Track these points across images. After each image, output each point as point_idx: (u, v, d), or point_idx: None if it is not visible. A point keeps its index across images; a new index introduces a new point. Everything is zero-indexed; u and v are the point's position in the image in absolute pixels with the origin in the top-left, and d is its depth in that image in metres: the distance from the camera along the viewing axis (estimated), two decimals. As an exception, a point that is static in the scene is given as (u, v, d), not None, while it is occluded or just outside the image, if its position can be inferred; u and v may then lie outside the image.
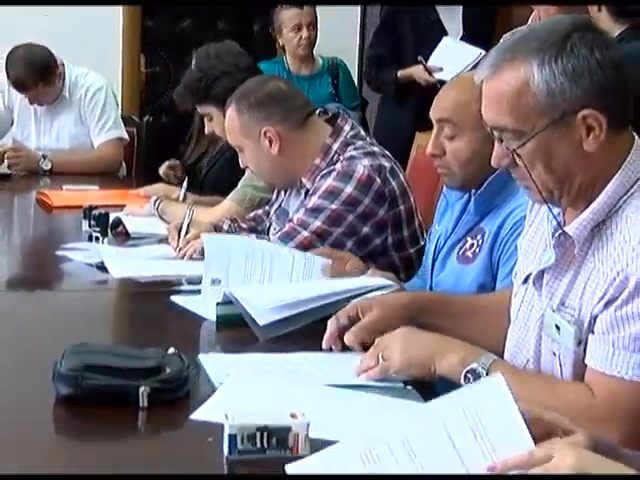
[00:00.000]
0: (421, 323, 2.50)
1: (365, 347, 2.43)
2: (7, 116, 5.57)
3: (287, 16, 6.26)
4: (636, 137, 2.17)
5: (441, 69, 5.45)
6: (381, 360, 2.30)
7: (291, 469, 1.76)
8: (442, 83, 5.28)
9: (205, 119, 4.16)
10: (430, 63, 5.52)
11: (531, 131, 2.07)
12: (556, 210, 2.22)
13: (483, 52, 5.23)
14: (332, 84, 6.21)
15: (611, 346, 2.06)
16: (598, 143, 2.07)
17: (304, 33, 6.17)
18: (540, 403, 1.94)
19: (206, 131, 4.18)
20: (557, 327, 2.16)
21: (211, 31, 6.80)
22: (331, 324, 2.51)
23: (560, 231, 2.16)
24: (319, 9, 6.25)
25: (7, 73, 5.29)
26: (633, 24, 4.36)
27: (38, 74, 5.24)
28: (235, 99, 3.42)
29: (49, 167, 5.31)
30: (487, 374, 2.13)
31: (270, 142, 3.30)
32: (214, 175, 4.64)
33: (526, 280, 2.30)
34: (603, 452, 1.80)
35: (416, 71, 5.59)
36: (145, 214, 4.01)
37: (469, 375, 2.16)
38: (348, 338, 2.47)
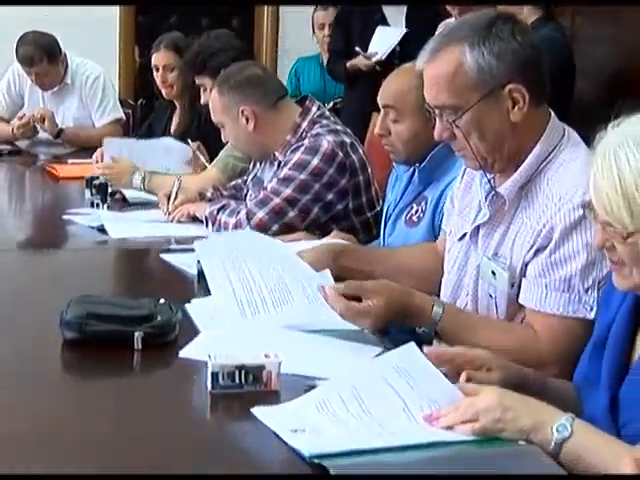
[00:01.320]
0: (347, 267, 2.54)
1: None
2: (18, 100, 5.52)
3: (316, 17, 6.63)
4: (551, 111, 2.21)
5: (377, 53, 5.53)
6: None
7: (256, 411, 1.75)
8: (380, 64, 5.39)
9: (201, 89, 4.14)
10: (369, 51, 5.60)
11: (466, 105, 2.12)
12: (489, 175, 2.25)
13: (405, 30, 5.43)
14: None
15: (544, 288, 2.10)
16: (522, 114, 2.12)
17: (325, 31, 6.42)
18: (501, 345, 2.00)
19: (202, 101, 4.14)
20: (493, 273, 2.21)
21: (195, 27, 6.75)
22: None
23: (493, 192, 2.21)
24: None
25: (17, 53, 5.22)
26: (544, 13, 4.58)
27: (44, 51, 5.18)
28: (218, 82, 3.40)
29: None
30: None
31: (247, 120, 3.28)
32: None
33: (462, 237, 2.33)
34: (529, 384, 1.82)
35: (358, 61, 5.64)
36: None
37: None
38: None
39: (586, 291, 2.06)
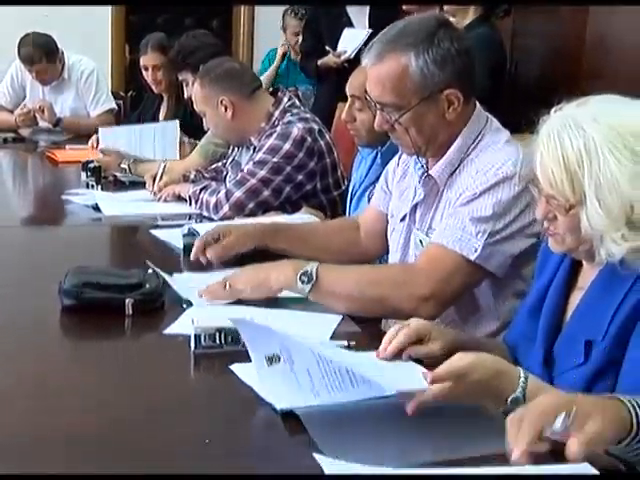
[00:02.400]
0: (271, 248, 2.46)
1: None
2: (20, 92, 5.48)
3: (289, 23, 6.83)
4: (476, 102, 2.23)
5: (345, 52, 5.51)
6: (228, 287, 2.14)
7: (235, 367, 1.75)
8: (348, 61, 5.38)
9: (184, 84, 4.12)
10: (338, 50, 5.58)
11: (407, 105, 2.13)
12: (423, 160, 2.28)
13: (370, 31, 5.36)
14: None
15: (445, 227, 2.14)
16: (456, 113, 2.15)
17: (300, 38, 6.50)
18: (370, 279, 1.96)
19: (185, 95, 4.13)
20: (421, 242, 2.26)
21: (179, 26, 6.71)
22: (198, 241, 2.46)
23: (425, 174, 2.24)
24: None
25: (19, 53, 5.19)
26: (482, 13, 4.58)
27: (43, 51, 5.16)
28: (199, 75, 3.38)
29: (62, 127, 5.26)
30: (317, 273, 2.08)
31: (225, 109, 3.26)
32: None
33: (403, 219, 2.34)
34: (465, 347, 1.80)
35: (329, 59, 5.62)
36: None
37: (303, 277, 2.09)
38: (209, 252, 2.43)
39: (476, 235, 2.08)
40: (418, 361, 1.69)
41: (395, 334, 1.71)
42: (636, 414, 1.33)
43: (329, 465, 1.36)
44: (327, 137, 3.27)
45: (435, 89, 2.11)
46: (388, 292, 2.07)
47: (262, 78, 6.70)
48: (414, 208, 2.29)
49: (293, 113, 3.24)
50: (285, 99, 3.30)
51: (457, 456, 1.42)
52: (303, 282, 2.08)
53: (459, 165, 2.19)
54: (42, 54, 5.17)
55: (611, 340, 1.59)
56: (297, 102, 3.35)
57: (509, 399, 1.51)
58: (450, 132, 2.18)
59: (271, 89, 3.51)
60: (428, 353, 1.73)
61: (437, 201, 2.23)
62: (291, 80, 6.75)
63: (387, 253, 2.49)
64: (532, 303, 1.84)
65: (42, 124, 5.31)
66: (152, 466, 1.41)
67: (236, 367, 1.75)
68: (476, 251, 2.07)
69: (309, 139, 3.16)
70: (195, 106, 3.41)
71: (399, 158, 2.46)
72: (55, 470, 1.38)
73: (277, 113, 3.26)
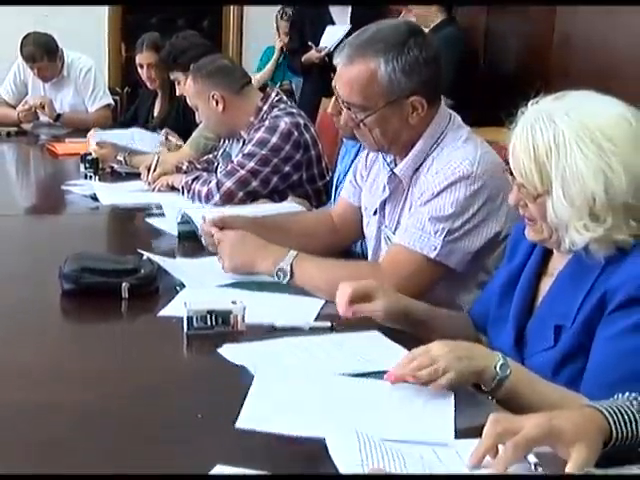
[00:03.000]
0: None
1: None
2: (22, 88, 5.45)
3: (282, 25, 6.83)
4: (442, 102, 2.21)
5: (326, 47, 5.52)
6: (220, 257, 2.22)
7: (223, 350, 1.75)
8: (328, 56, 5.37)
9: (176, 83, 4.10)
10: (320, 46, 5.61)
11: (374, 108, 2.12)
12: (389, 158, 2.26)
13: (349, 26, 5.40)
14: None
15: (406, 228, 2.13)
16: (419, 117, 2.13)
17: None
18: (339, 277, 1.94)
19: (177, 93, 4.11)
20: (389, 238, 2.25)
21: (172, 26, 6.68)
22: (205, 225, 2.39)
23: (391, 172, 2.22)
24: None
25: (21, 52, 5.18)
26: (449, 16, 4.86)
27: (44, 49, 5.14)
28: (192, 71, 3.37)
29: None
30: (292, 269, 2.12)
31: (217, 103, 3.24)
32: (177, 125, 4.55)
33: (375, 213, 2.34)
34: (415, 313, 1.83)
35: (311, 54, 5.62)
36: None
37: (279, 272, 2.13)
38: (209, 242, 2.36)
39: (435, 234, 2.07)
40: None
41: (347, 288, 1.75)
42: (616, 428, 1.27)
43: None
44: (312, 130, 3.26)
45: (401, 95, 2.09)
46: None
47: (262, 72, 6.82)
48: (383, 204, 2.29)
49: (280, 108, 3.23)
50: (273, 94, 3.29)
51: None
52: (279, 277, 2.13)
53: (422, 164, 2.17)
54: (43, 53, 5.16)
55: (579, 326, 1.59)
56: (284, 98, 3.33)
57: (495, 379, 1.50)
58: (413, 134, 2.16)
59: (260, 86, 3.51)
60: (372, 311, 1.77)
61: (404, 199, 2.22)
62: (287, 75, 6.84)
63: (364, 238, 2.48)
64: (503, 284, 1.83)
65: (43, 119, 5.28)
66: (150, 437, 1.42)
67: (225, 348, 1.75)
68: (435, 249, 2.07)
69: (295, 132, 3.14)
70: (188, 100, 3.41)
71: (367, 154, 2.44)
72: (57, 438, 1.39)
73: (265, 107, 3.24)
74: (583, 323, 1.59)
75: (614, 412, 1.29)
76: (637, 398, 1.33)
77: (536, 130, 1.58)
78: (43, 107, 5.17)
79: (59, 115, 5.22)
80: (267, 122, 3.18)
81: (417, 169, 2.18)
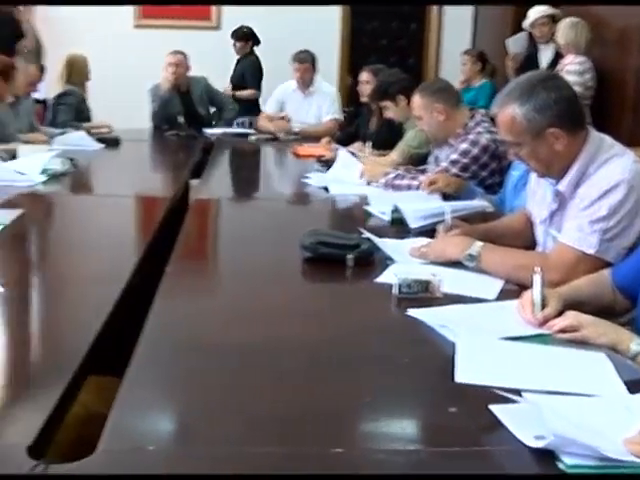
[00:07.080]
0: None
1: None
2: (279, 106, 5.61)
3: None
4: (589, 129, 2.15)
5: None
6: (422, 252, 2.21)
7: (412, 311, 1.78)
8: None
9: (384, 109, 4.11)
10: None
11: (523, 143, 2.11)
12: (551, 180, 2.23)
13: None
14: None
15: (567, 230, 2.10)
16: (563, 145, 2.09)
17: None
18: (519, 264, 2.00)
19: (384, 116, 4.13)
20: (554, 237, 2.21)
21: (385, 62, 6.60)
22: (440, 232, 2.40)
23: (555, 190, 2.20)
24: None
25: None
26: None
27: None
28: (419, 89, 3.40)
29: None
30: (479, 256, 2.11)
31: (438, 113, 3.31)
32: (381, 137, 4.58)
33: (544, 221, 2.30)
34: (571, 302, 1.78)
35: None
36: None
37: (468, 257, 2.12)
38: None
39: (592, 233, 2.04)
40: None
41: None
42: None
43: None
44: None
45: (540, 130, 2.08)
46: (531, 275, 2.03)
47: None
48: (551, 215, 2.26)
49: (483, 127, 3.29)
50: (478, 115, 3.34)
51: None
52: (468, 260, 2.14)
53: (580, 180, 2.13)
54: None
55: None
56: (488, 119, 3.33)
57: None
58: (564, 159, 2.12)
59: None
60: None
61: (567, 208, 2.20)
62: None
63: None
64: None
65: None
66: (354, 370, 1.50)
67: (424, 310, 1.79)
68: (593, 246, 2.04)
69: (493, 146, 3.19)
70: (413, 111, 3.46)
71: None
72: (284, 368, 1.50)
73: (471, 124, 3.30)
74: None
75: None
76: None
77: None
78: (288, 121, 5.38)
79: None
80: (471, 136, 3.24)
81: (576, 185, 2.15)
